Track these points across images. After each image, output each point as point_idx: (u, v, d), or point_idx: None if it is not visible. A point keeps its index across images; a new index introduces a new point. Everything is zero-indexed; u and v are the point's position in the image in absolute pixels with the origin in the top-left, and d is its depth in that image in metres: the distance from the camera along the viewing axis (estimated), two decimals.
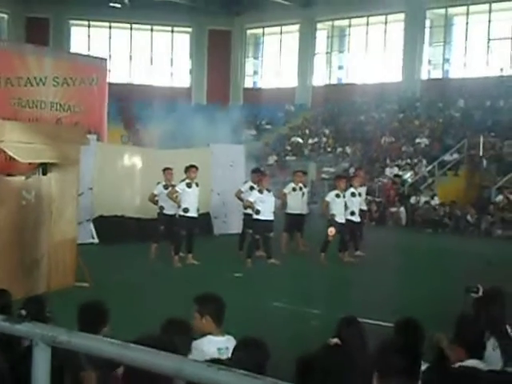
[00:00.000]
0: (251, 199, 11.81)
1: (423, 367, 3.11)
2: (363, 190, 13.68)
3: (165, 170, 11.97)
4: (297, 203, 13.09)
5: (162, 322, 3.93)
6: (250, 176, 13.31)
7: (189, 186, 11.49)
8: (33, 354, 2.16)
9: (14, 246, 7.98)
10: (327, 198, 12.52)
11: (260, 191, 11.78)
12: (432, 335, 4.03)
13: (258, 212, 11.69)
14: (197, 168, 11.63)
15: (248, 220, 12.20)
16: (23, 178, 8.36)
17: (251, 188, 12.41)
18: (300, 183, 13.30)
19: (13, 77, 14.41)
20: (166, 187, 11.77)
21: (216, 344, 4.23)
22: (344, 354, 3.43)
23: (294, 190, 13.14)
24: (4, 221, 7.90)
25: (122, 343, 2.03)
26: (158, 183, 11.96)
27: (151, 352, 1.99)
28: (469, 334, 3.86)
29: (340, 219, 12.16)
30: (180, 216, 11.59)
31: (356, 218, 12.57)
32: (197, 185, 11.62)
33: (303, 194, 13.30)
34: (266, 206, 11.69)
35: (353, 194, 12.52)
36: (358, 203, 12.67)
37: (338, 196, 12.28)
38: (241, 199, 12.70)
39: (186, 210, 11.47)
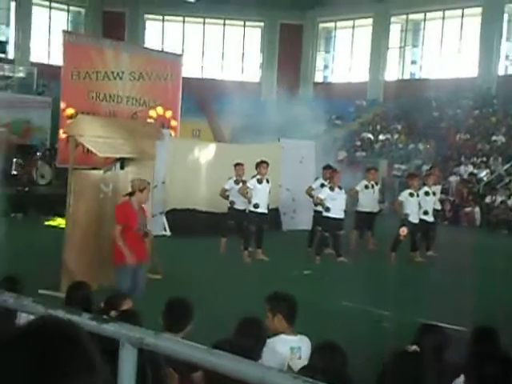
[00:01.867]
0: (322, 196, 11.74)
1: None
2: (438, 188, 13.36)
3: (236, 165, 12.04)
4: (368, 201, 12.92)
5: (237, 322, 3.95)
6: (320, 172, 13.24)
7: (259, 182, 11.53)
8: (119, 356, 2.19)
9: (91, 237, 8.22)
10: (400, 197, 12.31)
11: (331, 188, 11.69)
12: None
13: (328, 209, 11.62)
14: (268, 164, 11.65)
15: (318, 217, 12.14)
16: (101, 171, 8.59)
17: (322, 185, 12.34)
18: (372, 181, 13.14)
19: (91, 71, 14.84)
20: (236, 182, 11.84)
21: (289, 343, 4.22)
22: (423, 361, 3.36)
23: (366, 187, 12.98)
24: (82, 213, 8.15)
25: (208, 349, 2.04)
26: (230, 178, 12.05)
27: (235, 359, 2.00)
28: None
29: (413, 219, 11.94)
30: (250, 211, 11.64)
31: (429, 218, 12.31)
32: (267, 181, 11.65)
33: (374, 191, 13.13)
34: (336, 204, 11.60)
35: (427, 193, 12.26)
36: (431, 202, 12.40)
37: (411, 195, 12.05)
38: (311, 196, 12.64)
39: (256, 206, 11.51)
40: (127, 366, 2.19)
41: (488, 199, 19.81)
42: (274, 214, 14.77)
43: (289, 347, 4.20)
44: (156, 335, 2.16)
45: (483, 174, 21.81)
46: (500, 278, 11.05)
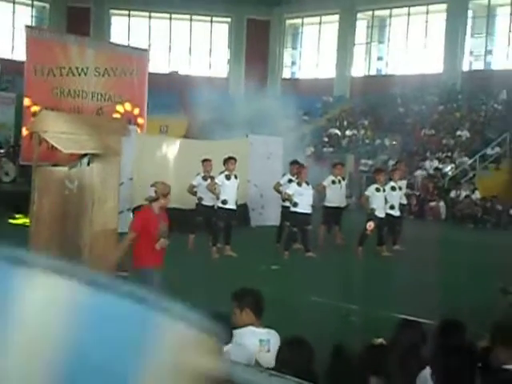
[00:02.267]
0: (289, 192, 11.79)
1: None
2: (403, 183, 13.51)
3: (204, 161, 12.00)
4: (335, 196, 13.01)
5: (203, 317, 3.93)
6: (287, 168, 13.28)
7: (228, 178, 11.51)
8: None
9: (56, 234, 8.11)
10: (367, 192, 12.44)
11: (299, 184, 11.75)
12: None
13: (295, 205, 11.67)
14: (235, 160, 11.64)
15: (286, 212, 12.19)
16: (66, 168, 8.48)
17: (290, 181, 12.39)
18: (339, 176, 13.22)
19: (55, 67, 14.62)
20: (204, 178, 11.81)
21: (258, 335, 4.22)
22: (390, 354, 3.39)
23: (333, 182, 13.06)
24: (47, 210, 8.04)
25: None
26: (197, 174, 12.00)
27: None
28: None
29: (380, 213, 12.07)
30: (218, 207, 11.63)
31: (396, 212, 12.46)
32: (235, 177, 11.64)
33: (341, 186, 13.22)
34: (304, 199, 11.66)
35: (393, 188, 12.40)
36: (398, 197, 12.56)
37: (378, 190, 12.18)
38: (279, 192, 12.68)
39: (224, 202, 11.50)
40: None
41: (453, 193, 20.11)
42: (243, 209, 14.77)
43: (257, 339, 4.20)
44: None
45: (448, 168, 22.13)
46: (465, 271, 11.23)
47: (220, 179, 11.49)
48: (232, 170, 11.54)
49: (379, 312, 8.01)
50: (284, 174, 13.38)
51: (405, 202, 13.80)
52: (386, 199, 12.22)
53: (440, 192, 20.49)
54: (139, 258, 6.93)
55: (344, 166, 14.37)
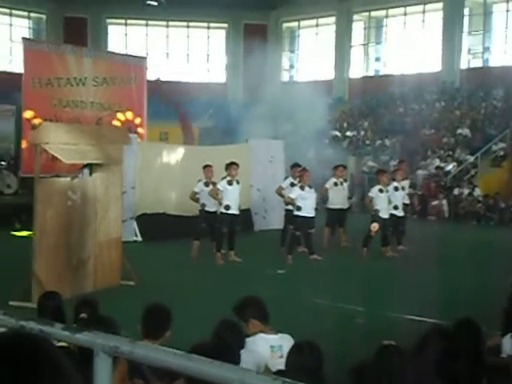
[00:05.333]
0: (292, 196, 11.76)
1: None
2: (406, 183, 13.50)
3: (205, 167, 11.97)
4: (338, 198, 13.00)
5: (214, 324, 3.92)
6: (289, 171, 13.26)
7: (230, 183, 11.49)
8: (94, 364, 2.15)
9: (60, 246, 8.09)
10: (371, 194, 12.42)
11: (301, 187, 11.72)
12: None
13: (299, 208, 11.65)
14: (237, 165, 11.62)
15: (289, 216, 12.16)
16: (69, 178, 8.47)
17: (292, 184, 12.36)
18: (341, 178, 13.20)
19: (53, 77, 14.63)
20: (206, 184, 11.79)
21: (269, 342, 4.21)
22: (402, 354, 3.36)
23: (335, 184, 13.04)
24: (51, 221, 8.02)
25: (186, 354, 2.00)
26: (199, 181, 11.97)
27: (214, 363, 1.97)
28: None
29: (384, 214, 12.05)
30: (222, 213, 11.60)
31: (399, 213, 12.44)
32: (237, 182, 11.62)
33: (344, 188, 13.21)
34: (307, 203, 11.63)
35: (396, 189, 12.39)
36: (401, 197, 12.54)
37: (381, 191, 12.16)
38: (282, 196, 12.67)
39: (227, 208, 11.48)
40: (102, 376, 2.15)
41: (455, 191, 20.07)
42: (246, 214, 14.75)
43: (268, 346, 4.18)
44: (131, 343, 2.11)
45: (450, 167, 22.09)
46: (469, 268, 11.21)
47: (222, 185, 11.47)
48: (234, 175, 11.52)
49: (387, 313, 8.00)
50: (286, 178, 13.36)
51: (408, 201, 13.78)
52: (389, 200, 12.21)
53: (442, 190, 20.45)
54: None
55: (346, 167, 14.34)
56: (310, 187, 11.86)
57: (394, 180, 12.59)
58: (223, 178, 11.56)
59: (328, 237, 13.07)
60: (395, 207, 12.29)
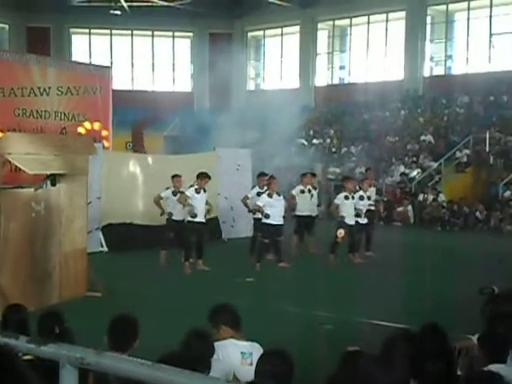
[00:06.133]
0: (260, 203, 11.77)
1: None
2: (373, 191, 13.59)
3: (174, 176, 11.91)
4: (306, 205, 13.03)
5: (183, 334, 3.88)
6: (256, 180, 13.27)
7: (197, 191, 11.46)
8: (60, 376, 2.11)
9: (25, 258, 7.95)
10: (336, 200, 12.48)
11: (269, 195, 11.73)
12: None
13: (267, 216, 11.65)
14: (209, 177, 11.60)
15: (258, 224, 12.17)
16: (32, 189, 8.33)
17: (258, 194, 12.38)
18: (308, 185, 13.24)
19: (16, 87, 14.40)
20: (174, 194, 11.73)
21: (240, 348, 4.19)
22: (367, 360, 3.37)
23: (302, 192, 13.08)
24: (14, 233, 7.88)
25: (154, 364, 1.98)
26: (167, 188, 11.93)
27: (183, 373, 1.95)
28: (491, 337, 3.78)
29: (350, 221, 12.12)
30: (188, 222, 11.56)
31: (362, 220, 12.49)
32: (204, 190, 11.59)
33: (312, 195, 13.25)
34: (275, 211, 11.65)
35: (361, 198, 12.46)
36: (365, 206, 12.59)
37: (347, 198, 12.24)
38: (246, 205, 12.70)
39: (194, 216, 11.43)
40: None
41: (420, 197, 20.33)
42: (214, 222, 14.70)
43: (239, 352, 4.16)
44: (97, 354, 2.08)
45: (414, 173, 22.37)
46: (435, 273, 11.34)
47: (190, 192, 11.43)
48: (203, 185, 11.50)
49: (355, 319, 8.04)
50: (253, 187, 13.37)
51: (373, 208, 13.85)
52: (354, 207, 12.29)
53: (407, 197, 20.70)
54: None
55: (314, 175, 14.38)
56: (279, 195, 11.88)
57: (361, 189, 12.67)
58: (191, 186, 11.53)
59: (296, 244, 13.09)
60: (357, 215, 12.35)
